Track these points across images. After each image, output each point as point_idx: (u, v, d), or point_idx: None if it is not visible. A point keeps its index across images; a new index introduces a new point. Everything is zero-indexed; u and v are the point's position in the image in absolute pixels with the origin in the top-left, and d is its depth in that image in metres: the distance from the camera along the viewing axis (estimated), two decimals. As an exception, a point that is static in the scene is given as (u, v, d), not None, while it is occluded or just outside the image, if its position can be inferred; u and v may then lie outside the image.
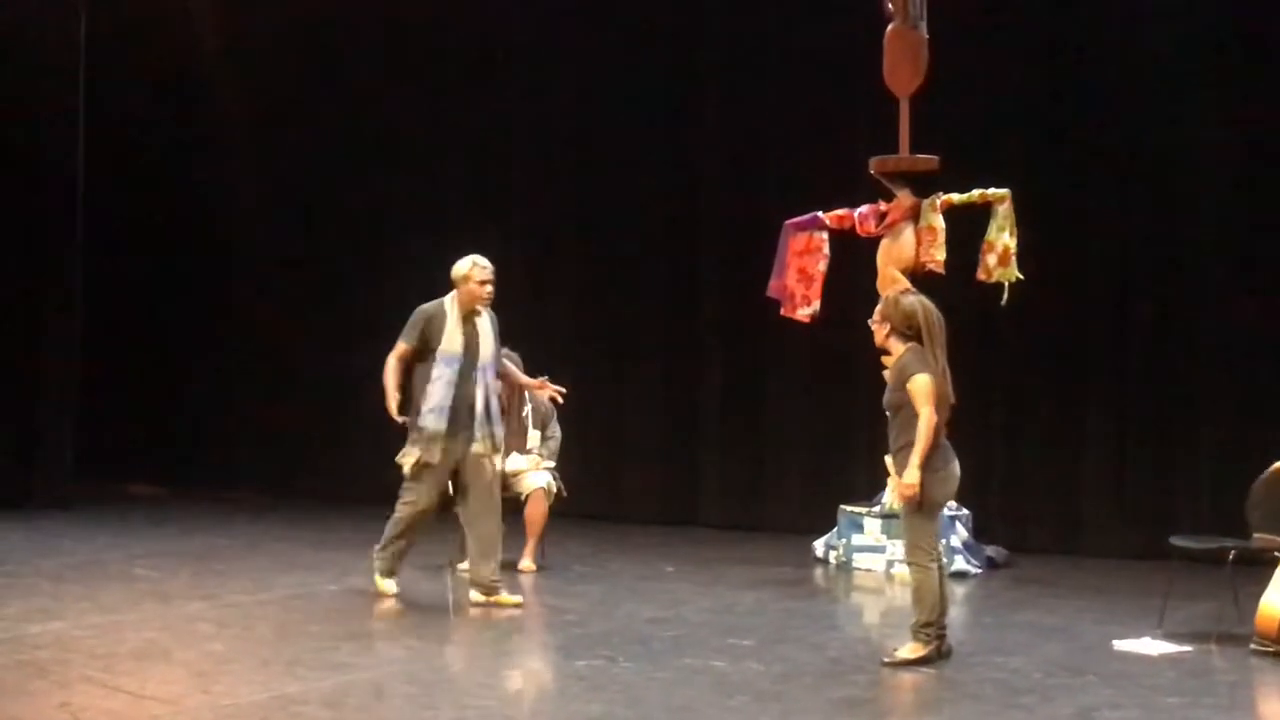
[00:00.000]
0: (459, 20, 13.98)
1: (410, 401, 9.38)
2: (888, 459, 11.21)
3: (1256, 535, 8.70)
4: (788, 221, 11.31)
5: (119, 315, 15.31)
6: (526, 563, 10.68)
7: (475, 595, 9.44)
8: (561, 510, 10.89)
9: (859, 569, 11.06)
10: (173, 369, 15.37)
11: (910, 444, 7.86)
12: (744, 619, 9.25)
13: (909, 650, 7.99)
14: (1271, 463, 8.78)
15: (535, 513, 10.66)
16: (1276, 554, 8.40)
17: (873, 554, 11.05)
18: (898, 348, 8.06)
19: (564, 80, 13.63)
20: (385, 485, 13.75)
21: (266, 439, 14.88)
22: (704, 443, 13.21)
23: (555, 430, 10.96)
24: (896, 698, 7.93)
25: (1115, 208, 11.67)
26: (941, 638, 8.09)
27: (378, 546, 9.69)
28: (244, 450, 15.02)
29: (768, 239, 11.45)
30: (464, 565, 10.55)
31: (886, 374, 8.24)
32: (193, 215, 15.20)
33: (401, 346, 9.42)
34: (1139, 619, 9.08)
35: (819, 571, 11.18)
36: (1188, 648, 8.47)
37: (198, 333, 15.31)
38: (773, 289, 11.36)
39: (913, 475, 7.82)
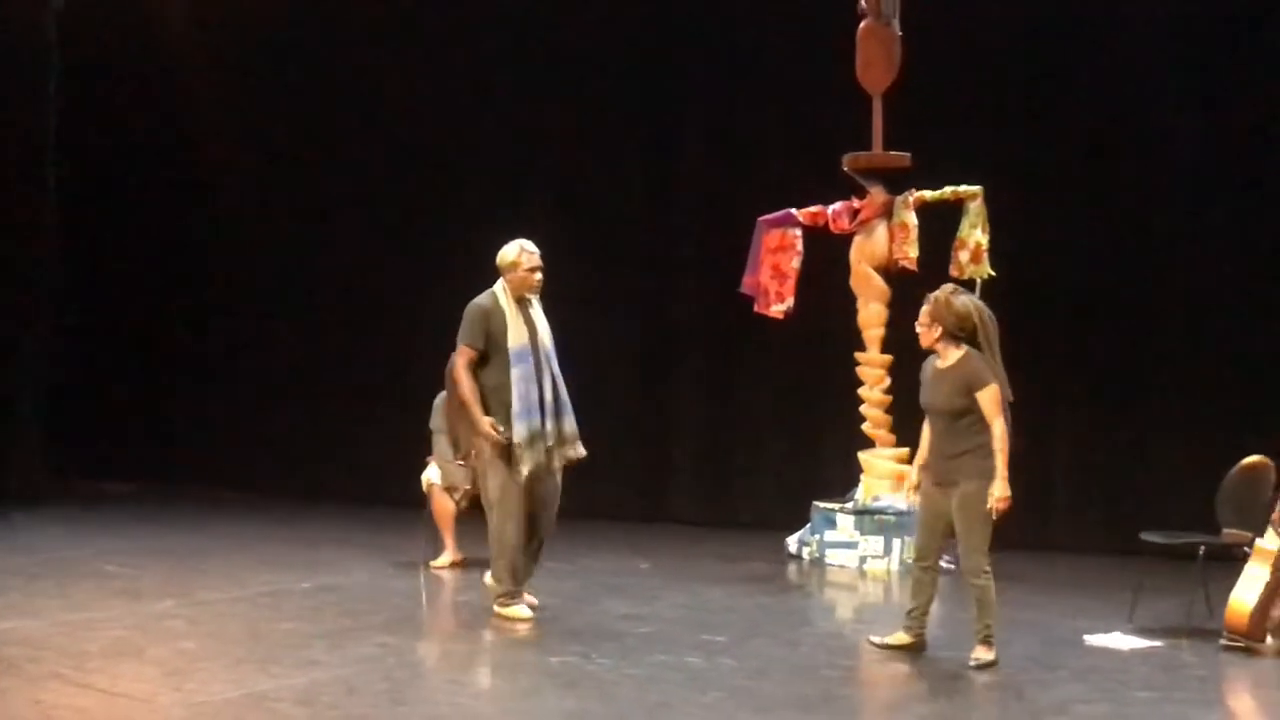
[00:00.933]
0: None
1: (485, 410, 8.69)
2: (861, 455, 11.34)
3: (1226, 531, 8.74)
4: (761, 218, 11.38)
5: (95, 312, 15.28)
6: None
7: (530, 599, 9.00)
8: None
9: (832, 565, 11.08)
10: (148, 366, 15.32)
11: (971, 451, 7.74)
12: (718, 615, 9.26)
13: (988, 653, 7.84)
14: (1241, 459, 8.82)
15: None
16: (1246, 549, 8.44)
17: (846, 550, 11.07)
18: (951, 351, 7.86)
19: (542, 74, 13.61)
20: (360, 483, 13.90)
21: (240, 437, 14.85)
22: (678, 439, 13.23)
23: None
24: (870, 693, 7.95)
25: (1087, 204, 11.71)
26: (921, 631, 8.11)
27: (499, 591, 8.87)
28: (218, 448, 14.98)
29: (742, 236, 11.51)
30: (437, 562, 10.57)
31: (922, 375, 8.02)
32: (171, 212, 15.17)
33: (470, 352, 8.71)
34: (1110, 614, 9.12)
35: (792, 567, 11.20)
36: (1158, 642, 8.51)
37: (173, 330, 15.26)
38: (746, 285, 11.42)
39: (1003, 488, 7.66)
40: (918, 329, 8.00)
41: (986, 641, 7.88)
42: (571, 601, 9.58)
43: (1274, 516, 8.32)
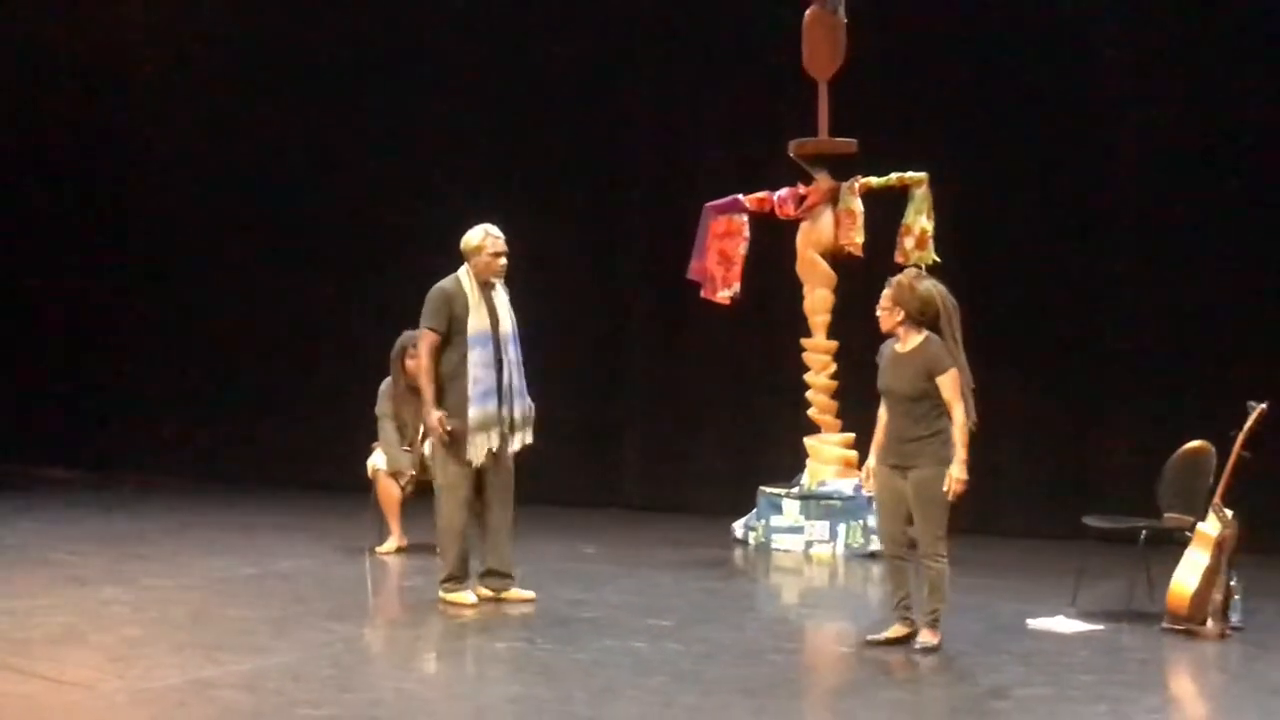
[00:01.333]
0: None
1: (441, 392, 8.71)
2: (807, 440, 11.38)
3: (1168, 515, 8.80)
4: (708, 204, 11.40)
5: (38, 298, 15.16)
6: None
7: (483, 590, 8.95)
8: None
9: (778, 550, 11.12)
10: (93, 352, 15.24)
11: (932, 436, 7.73)
12: (664, 600, 9.27)
13: (932, 637, 7.82)
14: (1183, 444, 8.89)
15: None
16: (1187, 533, 8.50)
17: (792, 535, 11.10)
18: (912, 336, 7.84)
19: (488, 58, 13.58)
20: (307, 469, 13.86)
21: (187, 423, 14.79)
22: (625, 424, 13.24)
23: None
24: (814, 677, 8.00)
25: (1033, 189, 11.76)
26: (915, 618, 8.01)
27: (441, 575, 8.88)
28: (164, 434, 14.91)
29: (689, 222, 11.52)
30: (383, 548, 10.55)
31: (879, 358, 8.00)
32: (113, 194, 15.07)
33: (432, 335, 8.73)
34: (1052, 597, 9.17)
35: (738, 552, 11.23)
36: (1100, 626, 8.57)
37: (118, 315, 15.17)
38: (693, 271, 11.43)
39: (962, 471, 7.67)
40: (879, 312, 7.94)
41: (932, 626, 7.88)
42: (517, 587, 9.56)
43: (1215, 501, 8.40)
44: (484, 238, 8.86)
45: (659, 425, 13.09)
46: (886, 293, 7.94)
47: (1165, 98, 11.33)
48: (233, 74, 14.53)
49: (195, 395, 14.73)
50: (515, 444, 8.90)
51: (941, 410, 7.75)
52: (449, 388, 8.73)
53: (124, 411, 15.09)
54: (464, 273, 8.86)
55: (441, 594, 8.86)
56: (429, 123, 13.77)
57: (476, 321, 8.73)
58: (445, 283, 8.85)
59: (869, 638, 8.03)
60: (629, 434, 13.22)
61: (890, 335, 7.98)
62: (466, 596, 8.83)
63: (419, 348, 8.85)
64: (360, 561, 10.15)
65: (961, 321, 7.90)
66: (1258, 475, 8.71)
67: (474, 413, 8.67)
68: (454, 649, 8.30)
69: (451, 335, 8.74)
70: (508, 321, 8.89)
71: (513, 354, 8.87)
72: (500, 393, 8.75)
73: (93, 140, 15.13)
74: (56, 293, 15.20)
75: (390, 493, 10.55)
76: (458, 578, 8.85)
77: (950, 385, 7.72)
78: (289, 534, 11.49)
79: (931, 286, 7.86)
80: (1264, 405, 8.47)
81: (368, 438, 10.67)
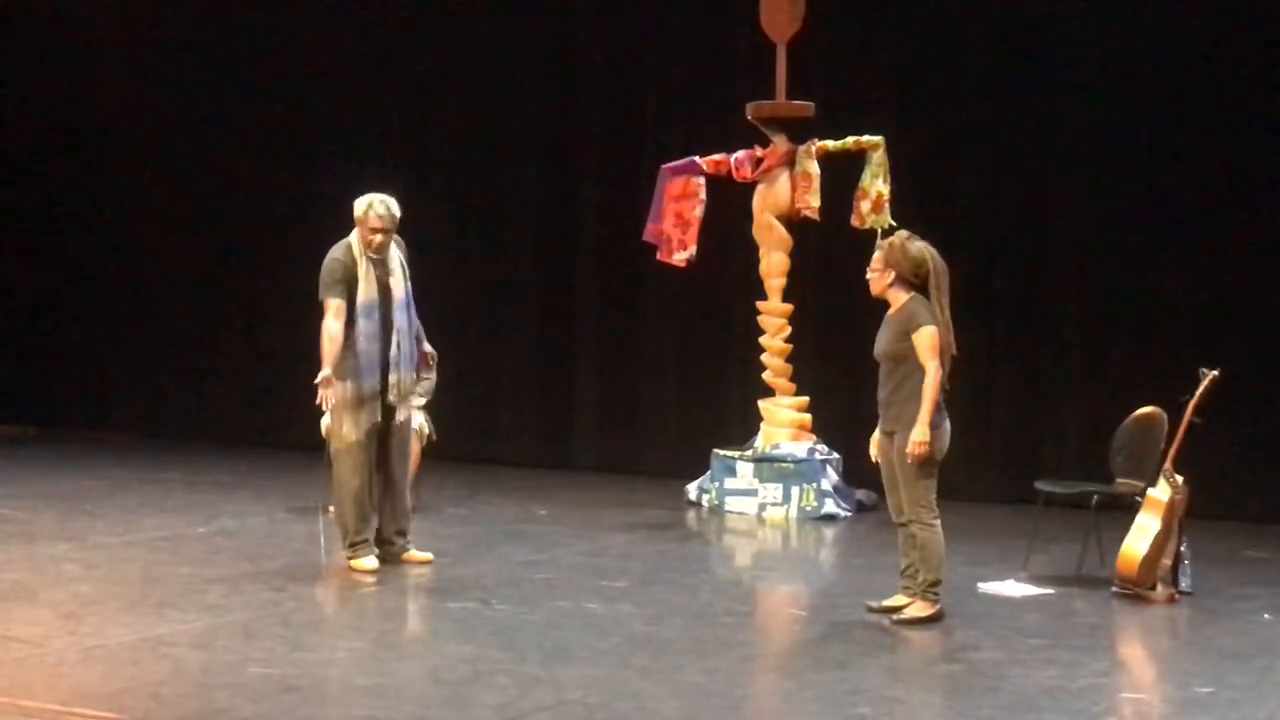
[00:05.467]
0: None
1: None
2: (761, 403, 11.40)
3: (1119, 480, 8.86)
4: (664, 166, 11.37)
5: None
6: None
7: (421, 555, 8.96)
8: (434, 453, 10.85)
9: (731, 512, 11.13)
10: (42, 307, 15.12)
11: (911, 397, 7.58)
12: (617, 561, 9.29)
13: (919, 609, 7.74)
14: (1135, 409, 8.94)
15: (408, 455, 10.58)
16: (1138, 499, 8.56)
17: (745, 497, 11.12)
18: (900, 296, 7.69)
19: (440, 23, 13.49)
20: (258, 427, 13.81)
21: (137, 379, 14.71)
22: (579, 385, 13.21)
23: (430, 372, 10.86)
24: (766, 639, 8.03)
25: (987, 156, 11.77)
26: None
27: (345, 543, 8.80)
28: (114, 390, 14.84)
29: (645, 183, 11.49)
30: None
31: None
32: (65, 152, 14.93)
33: (336, 303, 8.55)
34: (1003, 562, 9.23)
35: (691, 515, 11.25)
36: (1050, 590, 8.63)
37: (67, 270, 15.04)
38: (649, 233, 11.41)
39: (922, 433, 7.51)
40: (869, 275, 7.81)
41: (925, 596, 7.75)
42: (470, 548, 9.58)
43: (1166, 467, 8.45)
44: (366, 209, 8.65)
45: (613, 387, 13.07)
46: (877, 255, 7.79)
47: (1125, 63, 11.33)
48: (203, 67, 14.39)
49: (143, 351, 14.63)
50: (404, 412, 8.83)
51: (923, 373, 7.59)
52: (348, 358, 8.60)
53: (72, 368, 14.99)
54: (354, 239, 8.70)
55: (346, 560, 8.77)
56: (386, 79, 13.68)
57: (365, 292, 8.59)
58: (337, 252, 8.68)
59: (869, 604, 7.98)
60: (582, 395, 13.19)
61: (879, 300, 7.82)
62: (368, 563, 8.74)
63: (327, 320, 8.59)
64: (314, 521, 10.11)
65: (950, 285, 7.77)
66: (1208, 441, 8.77)
67: (354, 387, 8.59)
68: (406, 609, 8.29)
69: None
70: (400, 288, 8.72)
71: (402, 320, 8.70)
72: (386, 363, 8.65)
73: (39, 108, 14.99)
74: (11, 253, 15.07)
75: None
76: (357, 543, 8.78)
77: (925, 343, 7.56)
78: (241, 492, 11.45)
79: (924, 248, 7.71)
80: (1215, 372, 8.51)
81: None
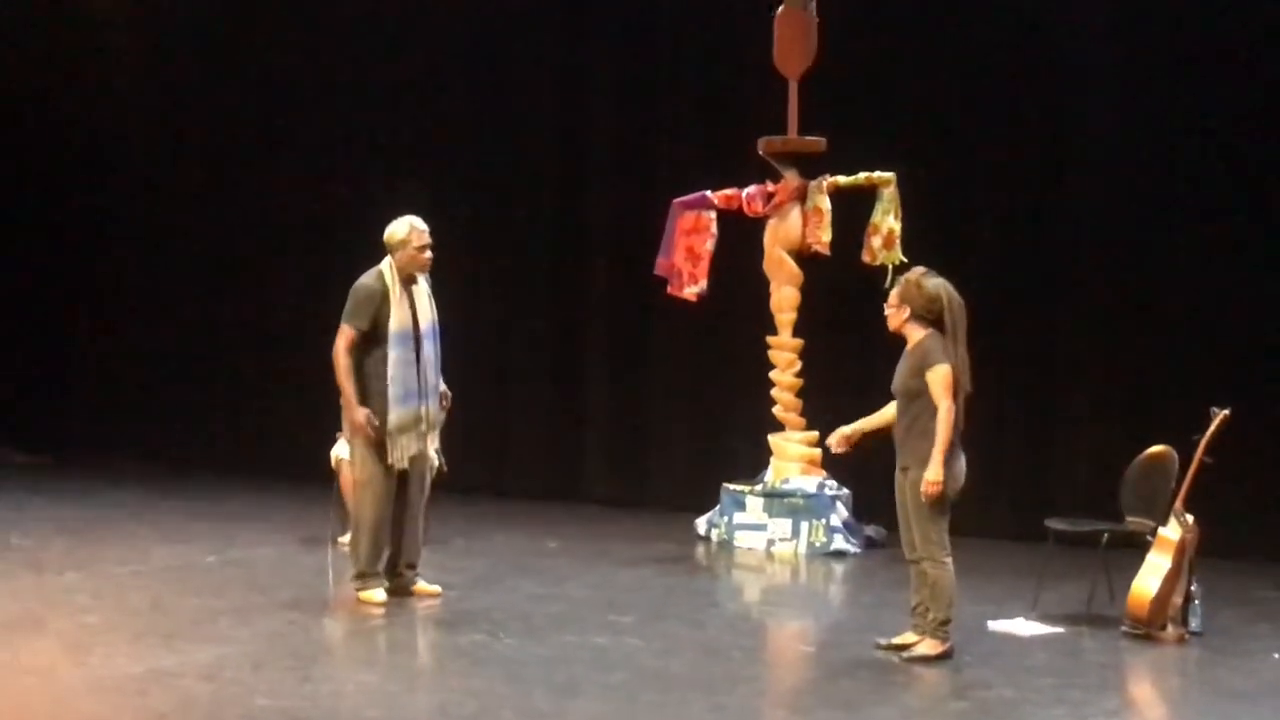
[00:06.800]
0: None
1: (365, 392, 8.56)
2: (771, 438, 11.38)
3: (1129, 519, 8.83)
4: (676, 200, 11.38)
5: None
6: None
7: (430, 586, 8.95)
8: (443, 485, 10.82)
9: (740, 547, 11.11)
10: (55, 336, 15.14)
11: (925, 434, 7.58)
12: (625, 595, 9.27)
13: (928, 647, 7.72)
14: (1146, 448, 8.92)
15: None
16: (1149, 537, 8.53)
17: (754, 532, 11.10)
18: (916, 332, 7.70)
19: (452, 51, 13.53)
20: (270, 455, 13.80)
21: (149, 408, 14.70)
22: (589, 418, 13.21)
23: (441, 412, 10.85)
24: (775, 675, 8.01)
25: (1001, 191, 11.76)
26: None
27: (353, 572, 8.80)
28: (126, 419, 14.83)
29: (656, 217, 11.51)
30: (345, 539, 10.49)
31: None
32: (73, 179, 14.97)
33: (351, 332, 8.53)
34: (1013, 600, 9.19)
35: (700, 549, 11.22)
36: (1060, 629, 8.60)
37: (80, 299, 15.07)
38: (660, 267, 11.42)
39: (936, 472, 7.51)
40: (886, 311, 7.83)
41: (935, 634, 7.74)
42: (479, 581, 9.56)
43: (1176, 506, 8.43)
44: (409, 231, 8.65)
45: (623, 421, 13.07)
46: (894, 290, 7.83)
47: (1134, 103, 11.34)
48: (214, 95, 14.45)
49: (157, 383, 14.64)
50: (434, 441, 8.83)
51: (935, 411, 7.59)
52: (371, 387, 8.58)
53: (88, 397, 15.01)
54: (386, 266, 8.66)
55: (354, 590, 8.75)
56: (401, 110, 13.72)
57: (398, 320, 8.57)
58: (369, 279, 8.63)
59: (878, 641, 7.96)
60: (593, 429, 13.19)
61: (897, 335, 7.84)
62: (377, 595, 8.73)
63: (336, 344, 8.61)
64: (322, 552, 10.11)
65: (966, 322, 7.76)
66: (1219, 481, 8.75)
67: (395, 415, 8.56)
68: (415, 642, 8.28)
69: (372, 334, 8.55)
70: (427, 317, 8.72)
71: (429, 351, 8.70)
72: (421, 392, 8.65)
73: (45, 124, 15.04)
74: (25, 282, 15.08)
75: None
76: (368, 575, 8.76)
77: (939, 381, 7.55)
78: (250, 523, 11.44)
79: (940, 284, 7.70)
80: (1226, 411, 8.50)
81: (331, 427, 10.61)
